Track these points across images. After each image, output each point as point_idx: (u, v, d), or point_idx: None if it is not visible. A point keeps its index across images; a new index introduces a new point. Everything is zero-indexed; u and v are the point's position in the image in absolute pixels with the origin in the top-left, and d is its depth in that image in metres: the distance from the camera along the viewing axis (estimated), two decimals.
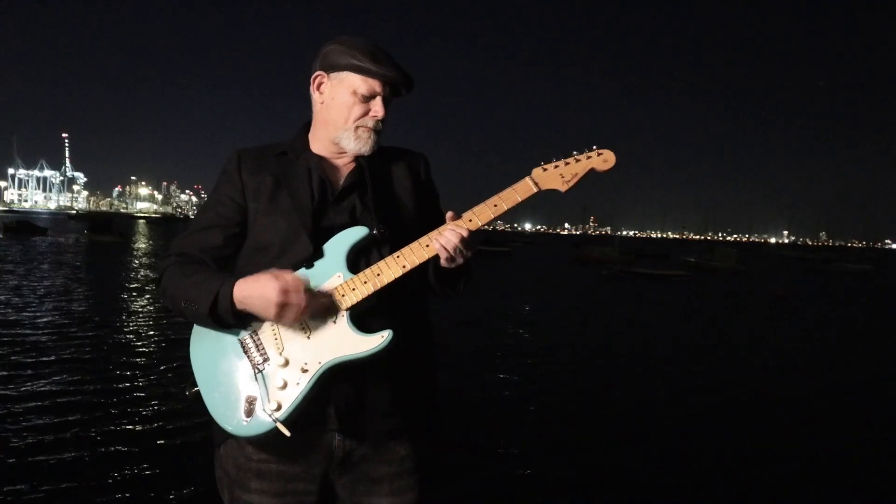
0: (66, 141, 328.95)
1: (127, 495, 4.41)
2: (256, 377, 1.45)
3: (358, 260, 1.50)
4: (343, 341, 1.43)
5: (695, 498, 4.88)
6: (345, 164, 1.62)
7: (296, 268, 1.48)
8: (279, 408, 1.41)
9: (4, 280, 16.76)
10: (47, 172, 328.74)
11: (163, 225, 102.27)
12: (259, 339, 1.47)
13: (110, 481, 4.60)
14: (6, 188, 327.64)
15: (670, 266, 37.55)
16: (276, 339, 1.46)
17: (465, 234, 1.47)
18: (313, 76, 1.58)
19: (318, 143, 1.62)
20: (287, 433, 1.40)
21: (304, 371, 1.42)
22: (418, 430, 1.59)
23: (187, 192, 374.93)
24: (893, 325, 17.52)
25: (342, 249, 1.48)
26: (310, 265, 1.48)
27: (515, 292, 19.93)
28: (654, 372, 9.34)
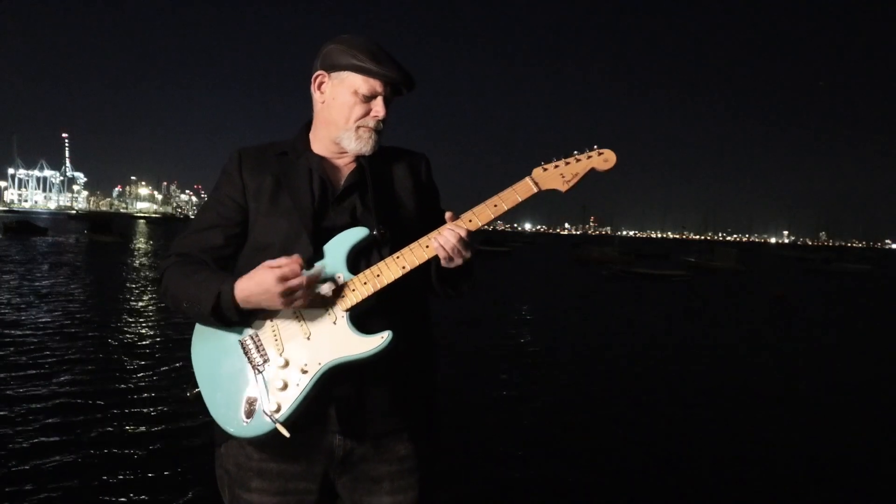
0: (66, 141, 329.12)
1: (129, 496, 4.40)
2: (257, 378, 1.45)
3: (358, 261, 1.50)
4: (343, 342, 1.43)
5: (695, 499, 4.88)
6: (346, 164, 1.61)
7: None
8: (279, 409, 1.41)
9: (4, 280, 16.76)
10: (47, 172, 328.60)
11: (163, 225, 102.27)
12: (259, 339, 1.48)
13: (111, 482, 4.59)
14: (6, 188, 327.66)
15: (670, 266, 37.54)
16: (276, 339, 1.46)
17: (462, 233, 1.46)
18: (314, 76, 1.57)
19: (319, 142, 1.61)
20: (286, 434, 1.40)
21: (304, 372, 1.43)
22: (418, 430, 1.59)
23: (187, 192, 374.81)
24: (893, 325, 17.51)
25: (342, 250, 1.48)
26: (310, 267, 1.48)
27: (515, 292, 19.92)
28: (654, 372, 9.34)
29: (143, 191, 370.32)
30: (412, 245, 1.48)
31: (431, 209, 1.67)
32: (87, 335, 9.87)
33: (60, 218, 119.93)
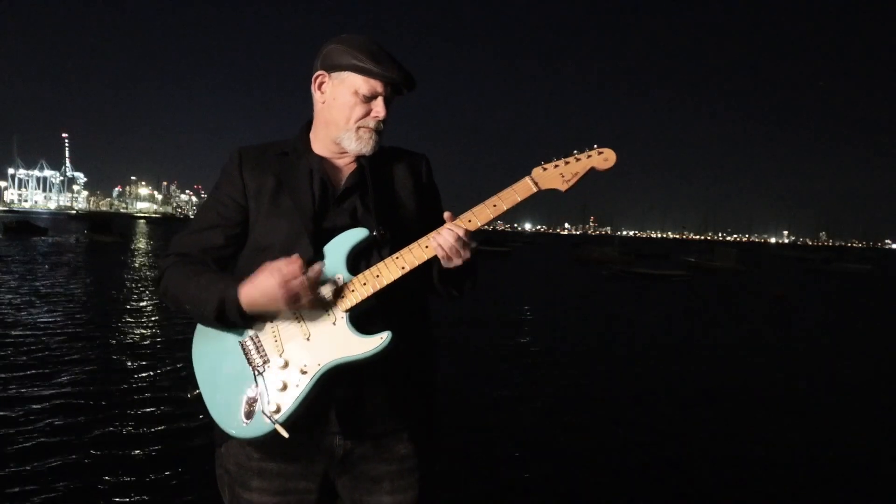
0: (66, 141, 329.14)
1: (130, 496, 4.40)
2: (256, 379, 1.45)
3: (358, 261, 1.50)
4: (342, 343, 1.43)
5: (695, 499, 4.88)
6: (346, 165, 1.61)
7: None
8: (278, 410, 1.41)
9: (4, 280, 16.76)
10: (47, 172, 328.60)
11: (163, 225, 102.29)
12: (259, 340, 1.48)
13: (112, 483, 4.59)
14: (6, 188, 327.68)
15: (670, 266, 37.53)
16: (276, 340, 1.46)
17: (461, 233, 1.46)
18: (315, 75, 1.57)
19: (320, 142, 1.61)
20: (286, 435, 1.40)
21: (304, 373, 1.43)
22: (418, 430, 1.59)
23: (187, 192, 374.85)
24: (893, 325, 17.51)
25: (342, 251, 1.48)
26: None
27: (515, 292, 19.91)
28: (654, 372, 9.34)
29: (143, 191, 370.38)
30: (411, 245, 1.48)
31: (432, 210, 1.67)
32: (88, 335, 9.86)
33: (60, 218, 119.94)
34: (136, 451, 5.16)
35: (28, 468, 4.72)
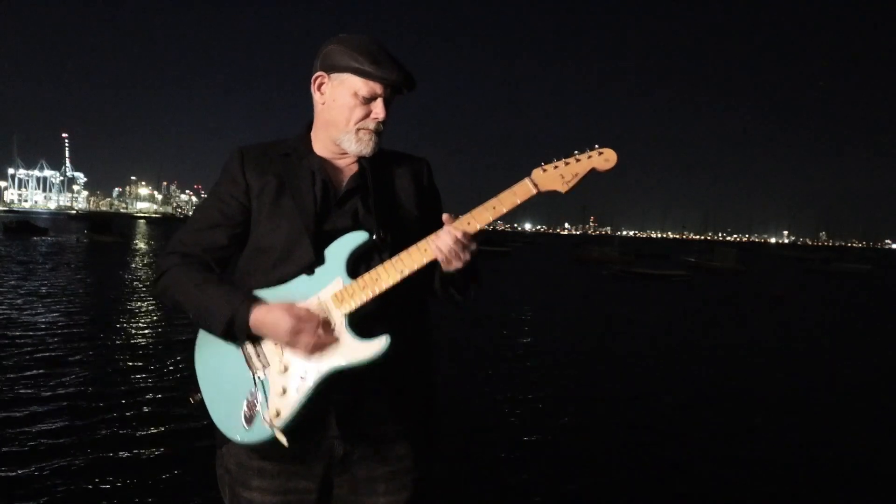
0: (66, 141, 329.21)
1: (130, 497, 4.40)
2: (257, 384, 1.46)
3: (358, 265, 1.50)
4: (342, 348, 1.43)
5: (696, 499, 4.88)
6: (347, 166, 1.61)
7: (297, 275, 1.49)
8: (278, 415, 1.42)
9: (5, 280, 16.76)
10: (47, 172, 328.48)
11: (163, 225, 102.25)
12: (260, 346, 1.48)
13: (113, 483, 4.59)
14: (6, 188, 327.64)
15: (670, 266, 37.52)
16: (276, 345, 1.47)
17: (459, 235, 1.45)
18: (314, 76, 1.56)
19: (320, 143, 1.61)
20: (285, 442, 1.41)
21: (303, 378, 1.43)
22: (417, 434, 1.60)
23: (187, 192, 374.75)
24: (893, 325, 17.50)
25: (342, 255, 1.48)
26: (311, 272, 1.49)
27: (515, 293, 19.91)
28: (654, 372, 9.34)
29: (143, 191, 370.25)
30: (410, 249, 1.47)
31: (433, 214, 1.65)
32: (88, 335, 9.87)
33: (60, 218, 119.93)
34: (138, 453, 5.16)
35: (29, 469, 4.72)
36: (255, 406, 1.44)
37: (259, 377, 1.46)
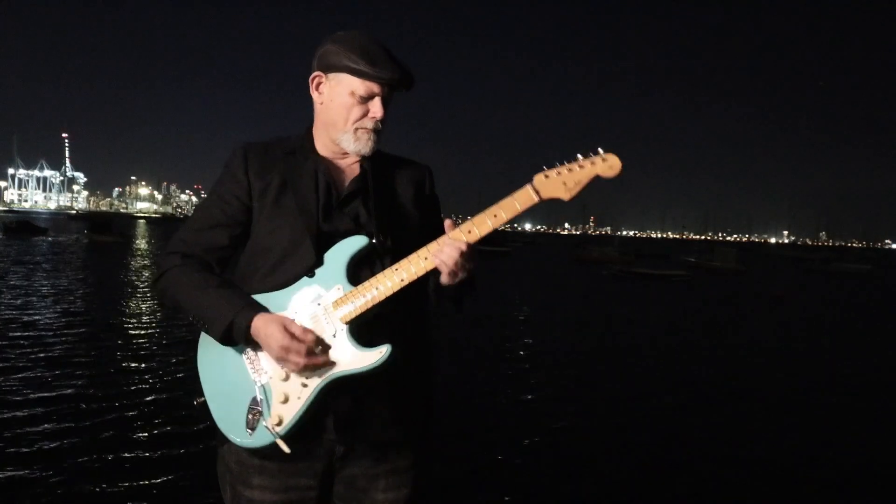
0: (66, 141, 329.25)
1: (131, 497, 4.40)
2: (258, 390, 1.46)
3: (358, 270, 1.50)
4: (342, 356, 1.43)
5: (696, 499, 4.88)
6: (349, 166, 1.61)
7: (297, 278, 1.49)
8: (280, 422, 1.43)
9: (5, 280, 16.76)
10: (47, 172, 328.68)
11: (163, 225, 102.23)
12: (263, 352, 1.48)
13: (113, 484, 4.59)
14: (6, 188, 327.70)
15: (670, 266, 37.53)
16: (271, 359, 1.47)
17: (464, 248, 1.44)
18: (311, 76, 1.56)
19: (321, 143, 1.61)
20: (287, 450, 1.42)
21: (305, 386, 1.44)
22: (417, 433, 1.61)
23: (187, 192, 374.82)
24: (893, 325, 17.50)
25: (342, 259, 1.48)
26: (311, 274, 1.49)
27: (515, 293, 19.91)
28: (654, 373, 9.34)
29: (143, 191, 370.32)
30: (411, 257, 1.47)
31: (432, 220, 1.66)
32: (89, 335, 9.87)
33: (60, 218, 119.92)
34: (138, 453, 5.16)
35: (29, 470, 4.72)
36: (258, 412, 1.45)
37: (261, 383, 1.46)
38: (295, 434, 1.43)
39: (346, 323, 1.45)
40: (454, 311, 1.62)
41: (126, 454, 5.12)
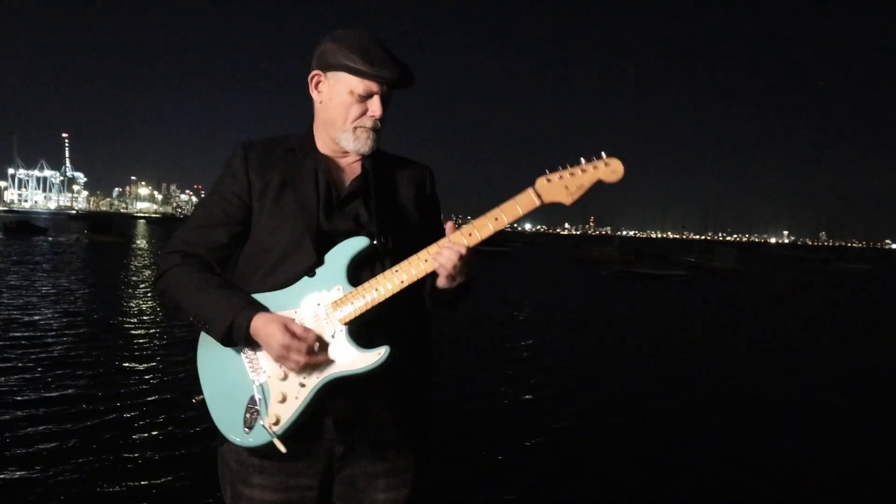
0: (66, 141, 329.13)
1: (131, 497, 4.40)
2: (257, 390, 1.47)
3: (358, 271, 1.50)
4: (341, 357, 1.44)
5: (697, 499, 4.87)
6: (349, 165, 1.61)
7: (298, 277, 1.49)
8: (278, 422, 1.43)
9: (5, 280, 16.75)
10: (47, 172, 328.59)
11: (163, 225, 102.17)
12: (261, 352, 1.48)
13: (113, 484, 4.59)
14: (6, 188, 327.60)
15: (670, 266, 37.50)
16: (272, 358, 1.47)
17: (463, 251, 1.44)
18: (311, 75, 1.55)
19: (321, 141, 1.60)
20: (283, 450, 1.42)
21: (303, 386, 1.44)
22: (416, 433, 1.61)
23: (187, 192, 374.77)
24: (893, 325, 17.50)
25: (343, 260, 1.48)
26: (312, 274, 1.49)
27: (515, 293, 19.91)
28: (654, 373, 9.33)
29: (143, 191, 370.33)
30: (411, 259, 1.47)
31: (432, 221, 1.66)
32: (89, 336, 9.86)
33: (60, 218, 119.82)
34: (139, 454, 5.15)
35: (29, 471, 4.71)
36: (256, 412, 1.45)
37: (259, 383, 1.47)
38: (292, 434, 1.44)
39: (346, 324, 1.45)
40: (448, 313, 1.62)
41: (126, 454, 5.11)
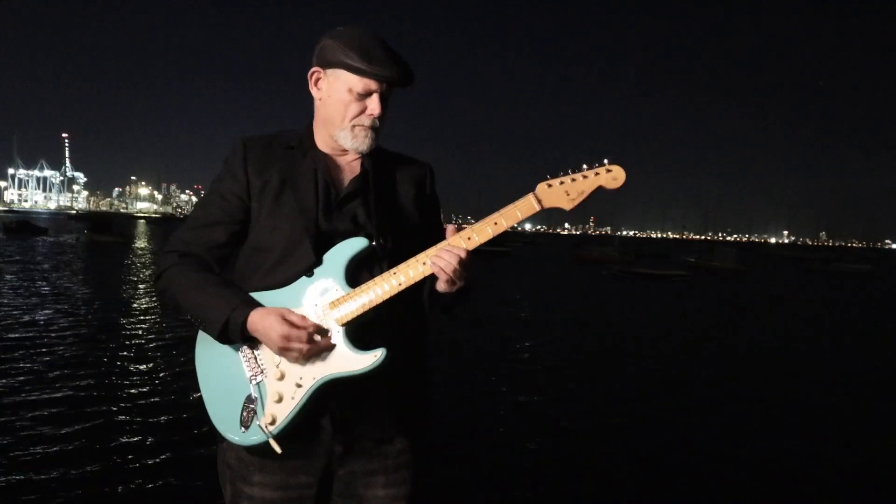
0: (66, 141, 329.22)
1: (131, 497, 4.40)
2: (253, 389, 1.47)
3: (356, 272, 1.49)
4: (337, 358, 1.44)
5: (696, 500, 4.87)
6: (349, 163, 1.60)
7: (296, 277, 1.49)
8: (274, 421, 1.43)
9: (5, 280, 16.75)
10: (47, 172, 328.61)
11: (163, 225, 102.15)
12: (258, 350, 1.49)
13: (115, 485, 4.59)
14: (6, 188, 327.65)
15: (670, 266, 37.49)
16: (273, 352, 1.47)
17: (463, 255, 1.43)
18: (310, 72, 1.55)
19: (321, 139, 1.60)
20: (278, 450, 1.42)
21: (299, 386, 1.44)
22: (415, 432, 1.61)
23: (187, 192, 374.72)
24: (893, 325, 17.49)
25: (341, 261, 1.48)
26: (310, 274, 1.49)
27: (515, 293, 19.91)
28: (654, 373, 9.33)
29: (143, 191, 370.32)
30: (410, 261, 1.47)
31: (432, 221, 1.66)
32: (89, 336, 9.86)
33: (60, 218, 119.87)
34: (139, 454, 5.15)
35: (30, 471, 4.71)
36: (253, 411, 1.45)
37: (256, 382, 1.47)
38: (289, 434, 1.43)
39: (343, 325, 1.45)
40: (446, 317, 1.62)
41: (126, 455, 5.11)
